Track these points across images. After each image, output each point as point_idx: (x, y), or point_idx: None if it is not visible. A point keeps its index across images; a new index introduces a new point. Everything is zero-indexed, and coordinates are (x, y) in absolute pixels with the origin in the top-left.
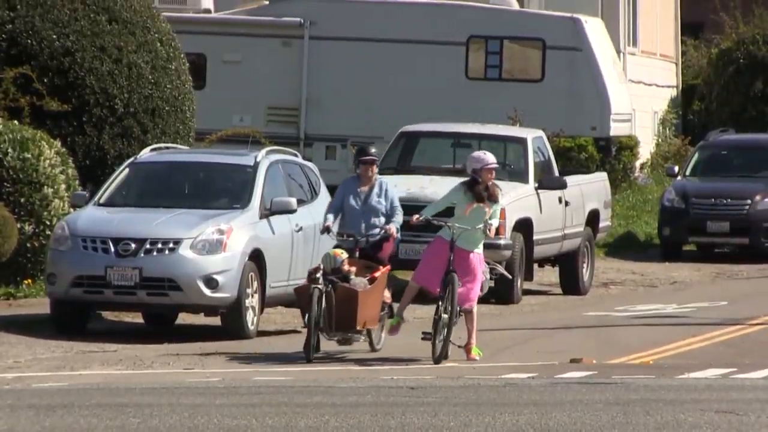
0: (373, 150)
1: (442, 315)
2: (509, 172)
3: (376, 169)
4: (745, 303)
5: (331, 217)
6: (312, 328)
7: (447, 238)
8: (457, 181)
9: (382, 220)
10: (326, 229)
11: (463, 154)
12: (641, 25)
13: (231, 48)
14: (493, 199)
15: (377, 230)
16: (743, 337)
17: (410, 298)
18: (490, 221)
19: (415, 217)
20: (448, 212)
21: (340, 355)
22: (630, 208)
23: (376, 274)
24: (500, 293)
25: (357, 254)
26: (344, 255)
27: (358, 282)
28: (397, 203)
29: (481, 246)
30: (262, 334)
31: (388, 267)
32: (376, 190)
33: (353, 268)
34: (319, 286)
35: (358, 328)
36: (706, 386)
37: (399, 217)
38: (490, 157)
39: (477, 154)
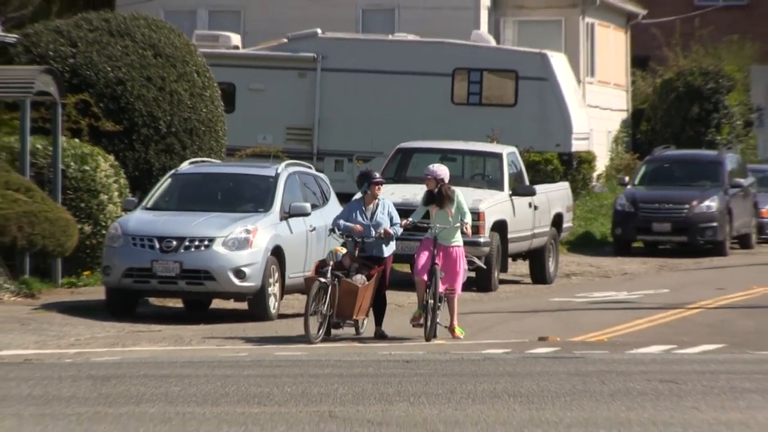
0: (377, 173)
1: (429, 300)
2: (488, 181)
3: (383, 189)
4: (684, 291)
5: (340, 223)
6: (308, 315)
7: (431, 236)
8: None
9: None
10: (331, 231)
11: (450, 167)
12: (598, 59)
13: (256, 78)
14: (443, 205)
15: (374, 233)
16: (682, 319)
17: (422, 289)
18: (465, 220)
19: (403, 221)
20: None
21: (344, 336)
22: (588, 211)
23: (373, 272)
24: (481, 283)
25: (356, 252)
26: (344, 250)
27: (358, 278)
28: (397, 219)
29: (460, 240)
30: (282, 317)
31: (383, 267)
32: (380, 209)
33: (355, 264)
34: (323, 279)
35: (354, 317)
36: (651, 360)
37: (397, 230)
38: (431, 168)
39: (431, 165)
